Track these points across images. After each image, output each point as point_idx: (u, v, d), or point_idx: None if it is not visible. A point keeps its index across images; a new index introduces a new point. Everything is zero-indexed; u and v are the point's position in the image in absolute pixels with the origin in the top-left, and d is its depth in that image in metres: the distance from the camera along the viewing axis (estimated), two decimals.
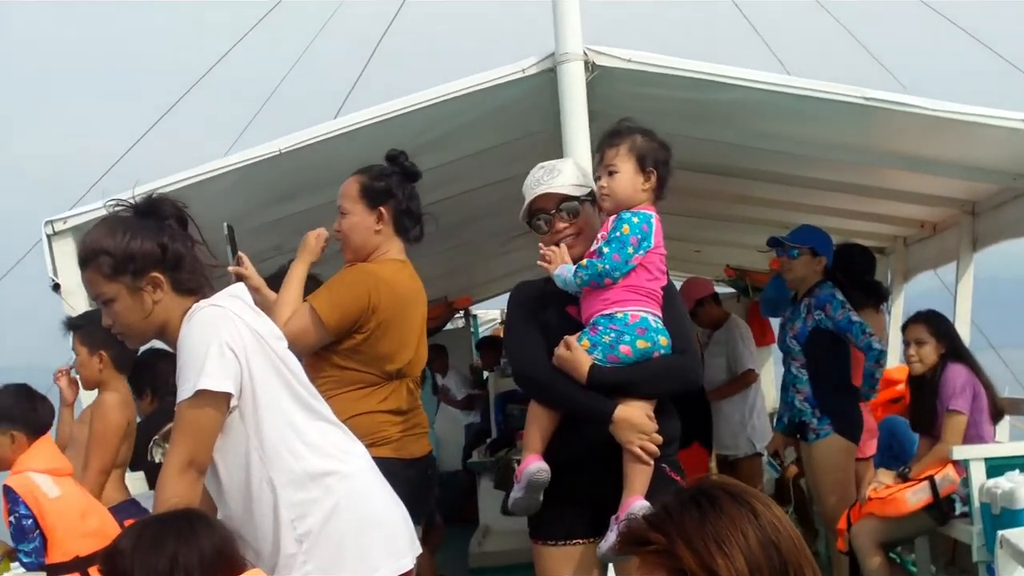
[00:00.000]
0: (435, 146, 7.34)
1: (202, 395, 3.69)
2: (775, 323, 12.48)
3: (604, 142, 4.90)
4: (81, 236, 6.60)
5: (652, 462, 4.64)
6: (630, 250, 4.66)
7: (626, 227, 4.69)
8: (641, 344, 4.67)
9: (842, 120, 7.20)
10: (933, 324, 7.79)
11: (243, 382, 3.79)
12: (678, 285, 10.81)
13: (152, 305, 3.89)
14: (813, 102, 6.80)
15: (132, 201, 4.01)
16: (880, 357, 7.72)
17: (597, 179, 4.88)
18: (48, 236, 6.86)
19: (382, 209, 5.60)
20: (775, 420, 8.57)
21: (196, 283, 3.95)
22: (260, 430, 3.85)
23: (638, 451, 4.62)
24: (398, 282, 5.53)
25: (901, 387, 8.54)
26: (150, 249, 3.87)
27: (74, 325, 6.34)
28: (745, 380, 10.77)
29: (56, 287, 6.75)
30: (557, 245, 4.88)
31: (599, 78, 6.60)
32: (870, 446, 8.65)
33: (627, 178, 4.77)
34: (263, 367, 3.85)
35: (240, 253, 5.58)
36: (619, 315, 4.69)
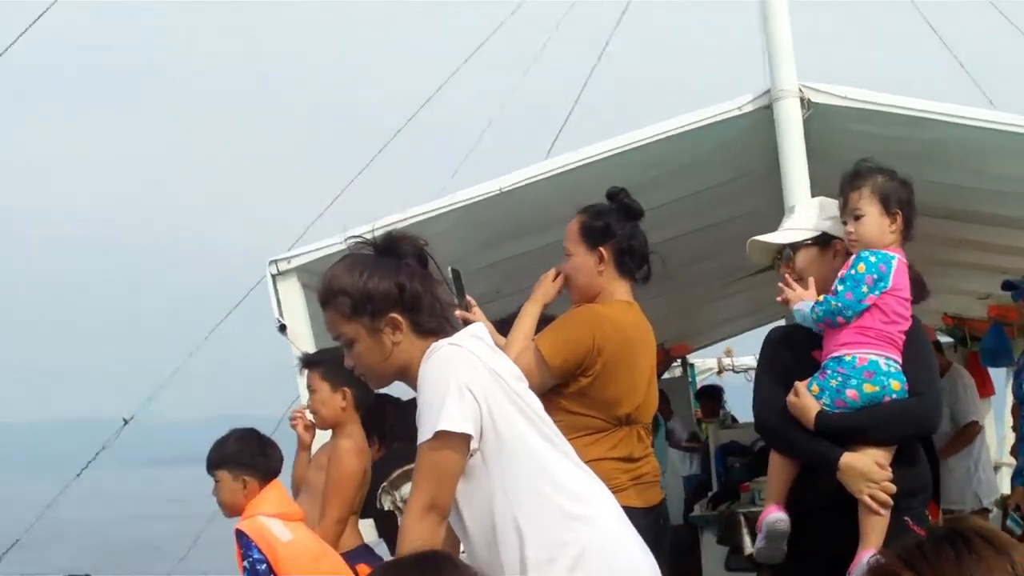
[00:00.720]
0: (651, 187, 7.31)
1: (442, 436, 3.66)
2: (994, 373, 12.23)
3: (846, 185, 4.84)
4: (305, 276, 6.79)
5: (885, 512, 4.56)
6: (864, 289, 4.61)
7: (862, 266, 4.65)
8: (868, 388, 4.60)
9: None
10: None
11: (484, 424, 3.74)
12: None
13: (392, 346, 3.86)
14: None
15: (371, 238, 4.00)
16: None
17: (844, 223, 4.83)
18: (273, 276, 6.94)
19: (602, 249, 5.46)
20: (1014, 473, 8.32)
21: (436, 324, 3.90)
22: (504, 471, 3.79)
23: (868, 500, 4.54)
24: (625, 323, 5.40)
25: None
26: (387, 289, 3.84)
27: (312, 361, 6.31)
28: (970, 433, 10.46)
29: (282, 328, 6.85)
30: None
31: (814, 115, 6.57)
32: None
33: (874, 221, 4.72)
34: (505, 407, 3.80)
35: (468, 297, 5.47)
36: (847, 358, 4.64)
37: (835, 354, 4.67)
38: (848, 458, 4.58)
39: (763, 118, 6.63)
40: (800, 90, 6.49)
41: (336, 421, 6.16)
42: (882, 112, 6.60)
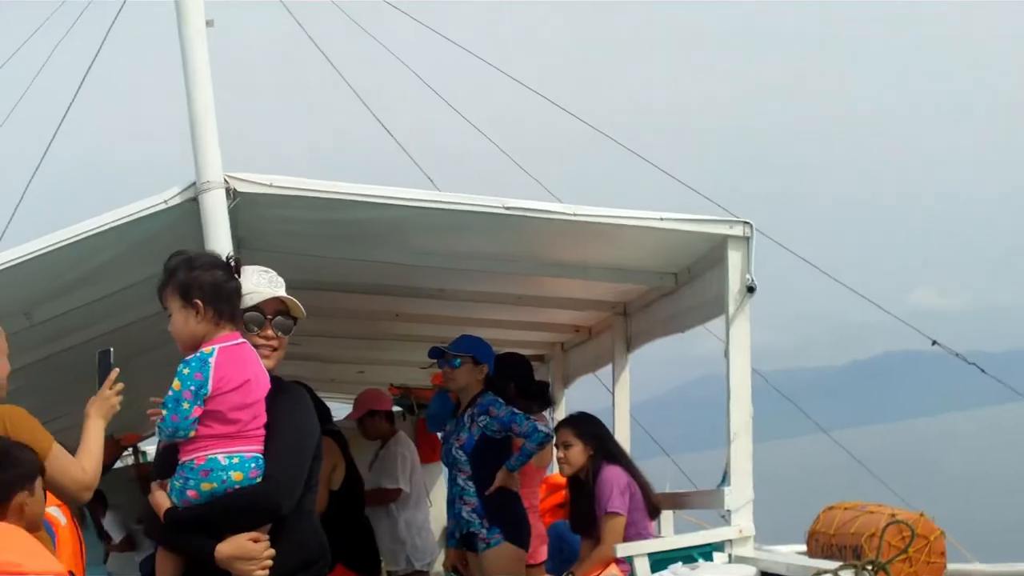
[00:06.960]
0: (87, 281, 7.21)
1: None
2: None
3: (159, 285, 4.84)
4: None
5: None
6: (186, 406, 4.59)
7: (177, 383, 4.61)
8: (206, 487, 4.62)
9: (489, 230, 7.35)
10: (579, 426, 7.99)
11: None
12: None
13: None
14: (461, 215, 6.93)
15: None
16: (544, 440, 7.86)
17: None
18: None
19: None
20: (448, 535, 8.51)
21: None
22: None
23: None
24: None
25: (566, 491, 8.66)
26: None
27: None
28: (381, 496, 10.65)
29: None
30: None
31: (242, 204, 6.61)
32: (541, 552, 8.75)
33: (178, 317, 4.73)
34: None
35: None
36: (187, 461, 4.65)
37: (181, 460, 4.67)
38: (221, 547, 4.59)
39: (190, 210, 6.60)
40: (226, 180, 6.51)
41: None
42: (308, 197, 6.71)
